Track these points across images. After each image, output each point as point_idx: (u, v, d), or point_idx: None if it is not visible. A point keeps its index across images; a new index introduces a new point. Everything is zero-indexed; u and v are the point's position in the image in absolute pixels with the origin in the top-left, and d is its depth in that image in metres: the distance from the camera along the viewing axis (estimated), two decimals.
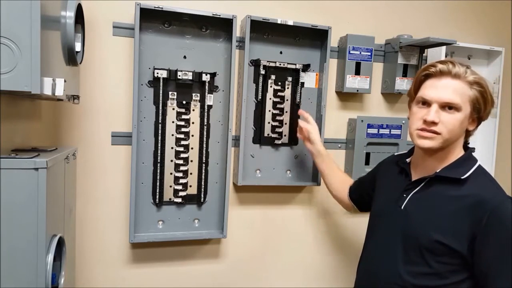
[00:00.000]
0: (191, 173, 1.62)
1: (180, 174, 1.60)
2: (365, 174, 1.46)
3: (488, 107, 1.04)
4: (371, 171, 1.40)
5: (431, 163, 1.05)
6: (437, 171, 1.03)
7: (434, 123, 1.00)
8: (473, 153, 1.09)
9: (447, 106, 0.99)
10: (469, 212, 0.95)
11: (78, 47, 1.24)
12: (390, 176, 1.20)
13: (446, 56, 1.85)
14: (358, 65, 1.75)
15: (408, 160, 1.15)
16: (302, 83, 1.73)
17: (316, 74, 1.76)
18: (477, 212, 0.94)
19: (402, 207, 1.06)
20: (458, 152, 1.05)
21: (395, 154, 1.26)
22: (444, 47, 1.80)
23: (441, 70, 1.01)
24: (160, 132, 1.55)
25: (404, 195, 1.08)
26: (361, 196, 1.39)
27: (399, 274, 1.03)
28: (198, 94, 1.59)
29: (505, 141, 2.12)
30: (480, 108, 1.03)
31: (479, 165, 1.04)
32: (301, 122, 1.60)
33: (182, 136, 1.59)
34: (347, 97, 1.85)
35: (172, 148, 1.58)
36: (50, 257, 0.98)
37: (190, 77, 1.54)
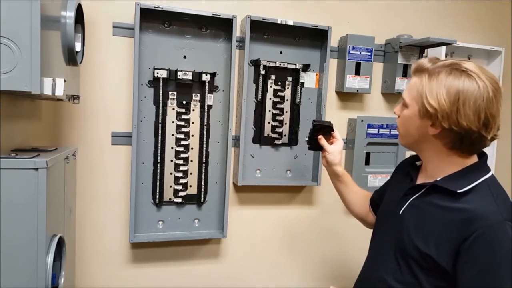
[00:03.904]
0: (191, 173, 1.62)
1: (180, 174, 1.60)
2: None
3: (433, 104, 0.87)
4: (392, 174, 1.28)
5: (432, 170, 0.98)
6: (438, 179, 0.94)
7: (397, 116, 1.01)
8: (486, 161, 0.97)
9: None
10: (459, 227, 0.86)
11: (78, 47, 1.25)
12: (399, 178, 1.13)
13: (446, 56, 1.85)
14: (358, 65, 1.75)
15: (418, 163, 1.08)
16: (302, 83, 1.73)
17: (316, 74, 1.76)
18: (466, 229, 0.85)
19: (401, 212, 1.00)
20: (462, 160, 0.93)
21: (413, 155, 1.15)
22: (444, 47, 1.80)
23: (413, 68, 0.98)
24: (160, 132, 1.55)
25: (404, 200, 1.01)
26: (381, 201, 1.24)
27: (387, 281, 0.98)
28: (198, 94, 1.59)
29: (505, 141, 2.12)
30: (423, 102, 0.89)
31: (488, 178, 0.92)
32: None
33: (182, 136, 1.59)
34: (347, 97, 1.85)
35: (172, 148, 1.58)
36: (50, 257, 0.98)
37: (190, 77, 1.54)
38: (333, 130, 1.27)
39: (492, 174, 0.94)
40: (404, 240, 0.96)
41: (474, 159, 0.95)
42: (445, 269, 0.88)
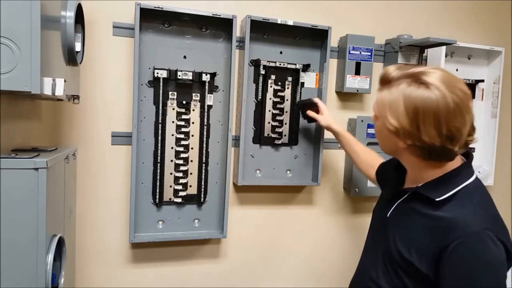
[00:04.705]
0: (191, 173, 1.62)
1: (180, 174, 1.60)
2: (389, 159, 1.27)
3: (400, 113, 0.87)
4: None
5: (413, 176, 0.98)
6: (419, 185, 0.94)
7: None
8: (470, 163, 0.96)
9: None
10: (439, 235, 0.86)
11: (78, 47, 1.24)
12: (391, 175, 1.13)
13: (446, 56, 1.85)
14: (358, 65, 1.75)
15: None
16: (302, 83, 1.73)
17: (316, 74, 1.76)
18: (445, 237, 0.84)
19: (388, 215, 1.01)
20: (442, 166, 0.92)
21: None
22: (444, 47, 1.80)
23: (379, 78, 0.98)
24: (160, 132, 1.55)
25: (392, 202, 1.01)
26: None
27: (378, 283, 0.99)
28: (198, 94, 1.59)
29: (505, 141, 2.12)
30: (384, 121, 0.91)
31: (471, 183, 0.91)
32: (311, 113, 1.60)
33: (182, 136, 1.59)
34: (347, 97, 1.85)
35: (172, 148, 1.58)
36: (50, 257, 0.98)
37: (190, 77, 1.54)
38: (316, 104, 1.59)
39: (476, 178, 0.93)
40: (390, 245, 0.96)
41: (457, 162, 0.93)
42: (427, 276, 0.88)
